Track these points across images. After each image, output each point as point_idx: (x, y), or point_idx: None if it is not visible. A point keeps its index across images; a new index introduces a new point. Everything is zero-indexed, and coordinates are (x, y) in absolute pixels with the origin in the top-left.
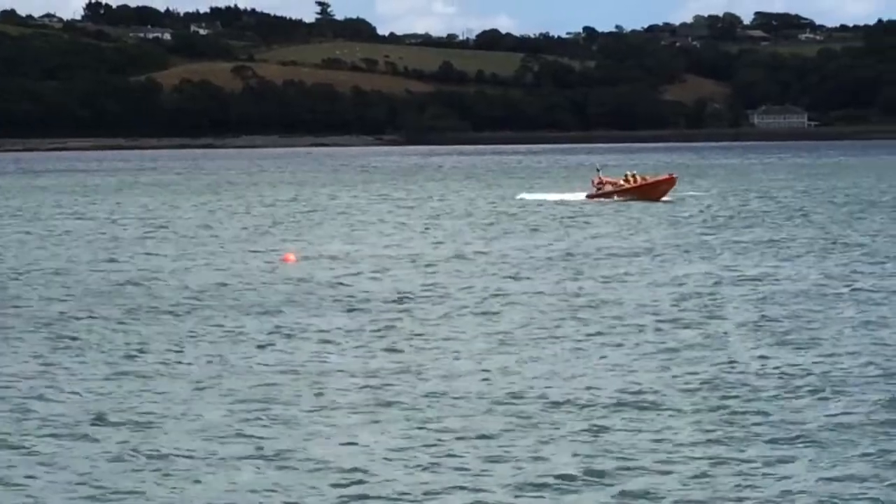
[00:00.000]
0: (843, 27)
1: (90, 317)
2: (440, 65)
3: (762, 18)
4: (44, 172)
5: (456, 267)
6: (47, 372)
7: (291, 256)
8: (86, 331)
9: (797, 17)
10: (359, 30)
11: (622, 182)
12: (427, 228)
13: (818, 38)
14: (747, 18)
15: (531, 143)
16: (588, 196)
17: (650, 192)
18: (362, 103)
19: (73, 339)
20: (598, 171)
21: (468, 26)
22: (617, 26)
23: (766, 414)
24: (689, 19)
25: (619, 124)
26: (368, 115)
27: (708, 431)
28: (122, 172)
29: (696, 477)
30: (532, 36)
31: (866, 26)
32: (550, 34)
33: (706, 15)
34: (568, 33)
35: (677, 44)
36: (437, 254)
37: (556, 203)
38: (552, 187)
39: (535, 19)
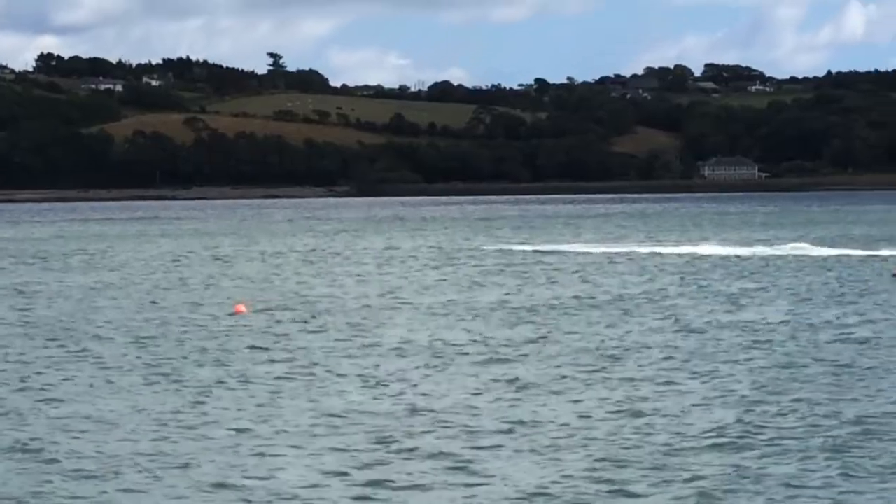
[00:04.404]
0: (793, 79)
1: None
2: (392, 116)
3: (712, 70)
4: None
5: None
6: None
7: (243, 308)
8: None
9: (748, 69)
10: (311, 81)
11: None
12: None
13: (768, 89)
14: (698, 70)
15: (482, 193)
16: None
17: None
18: (314, 155)
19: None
20: None
21: (420, 78)
22: (568, 78)
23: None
24: (639, 71)
25: (570, 175)
26: (320, 167)
27: None
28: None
29: None
30: (484, 88)
31: (816, 78)
32: (502, 86)
33: (657, 67)
34: (519, 85)
35: (628, 95)
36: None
37: None
38: None
39: (486, 71)
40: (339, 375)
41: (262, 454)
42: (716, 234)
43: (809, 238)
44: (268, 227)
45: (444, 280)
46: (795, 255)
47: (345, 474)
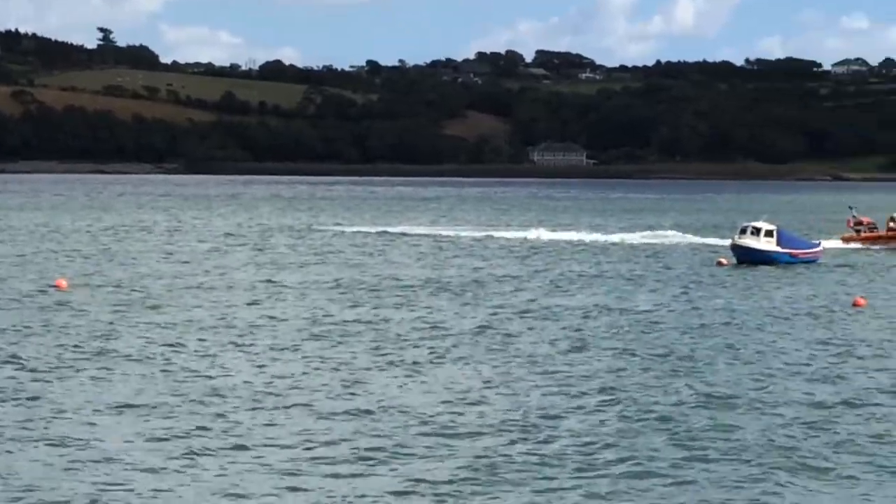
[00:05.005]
0: (623, 67)
1: None
2: (222, 94)
3: (543, 57)
4: None
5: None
6: None
7: (63, 282)
8: None
9: (578, 56)
10: (141, 57)
11: (893, 226)
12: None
13: (598, 77)
14: (529, 56)
15: (312, 174)
16: (845, 239)
17: None
18: (143, 131)
19: None
20: (851, 209)
21: (252, 57)
22: (400, 61)
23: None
24: (471, 56)
25: (401, 158)
26: (149, 143)
27: None
28: None
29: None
30: (315, 68)
31: (645, 67)
32: (334, 67)
33: (488, 52)
34: (351, 66)
35: (459, 80)
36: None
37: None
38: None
39: (318, 52)
40: (139, 352)
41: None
42: (548, 220)
43: (638, 225)
44: (95, 203)
45: (272, 259)
46: (624, 242)
47: (142, 448)
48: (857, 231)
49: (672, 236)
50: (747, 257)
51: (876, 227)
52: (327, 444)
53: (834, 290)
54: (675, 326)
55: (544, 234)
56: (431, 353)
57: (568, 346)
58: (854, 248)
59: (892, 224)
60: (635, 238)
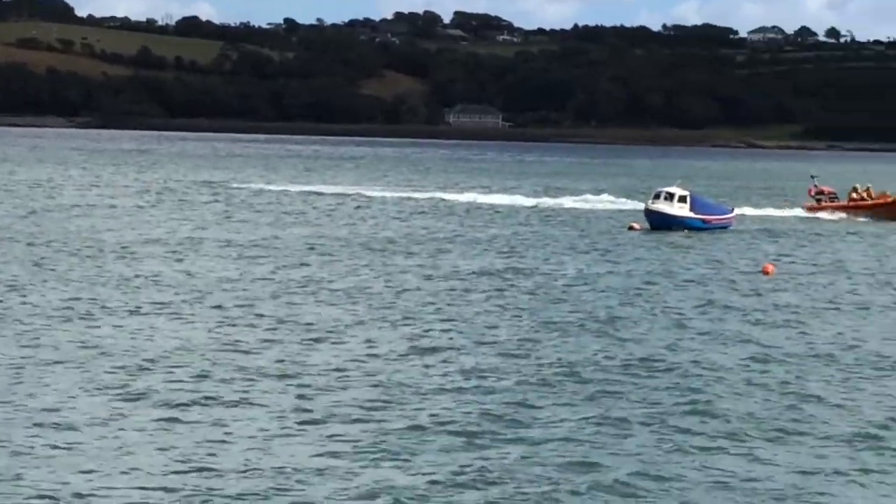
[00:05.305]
0: (541, 30)
1: None
2: (138, 49)
3: (462, 18)
4: None
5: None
6: None
7: None
8: None
9: (496, 18)
10: (56, 10)
11: (855, 196)
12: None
13: (516, 40)
14: (447, 17)
15: (227, 131)
16: (808, 208)
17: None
18: (57, 84)
19: None
20: (813, 178)
21: (168, 12)
22: (318, 19)
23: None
24: (389, 15)
25: (317, 117)
26: (63, 97)
27: None
28: None
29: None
30: (232, 25)
31: (562, 31)
32: (251, 24)
33: (406, 12)
34: (269, 24)
35: (377, 39)
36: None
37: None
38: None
39: (235, 8)
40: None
41: None
42: (464, 182)
43: (554, 189)
44: (8, 155)
45: (188, 216)
46: (539, 206)
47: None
48: (819, 200)
49: (592, 201)
50: (660, 222)
51: (837, 197)
52: (249, 404)
53: (744, 257)
54: (586, 291)
55: (456, 197)
56: (349, 314)
57: (479, 310)
58: (781, 215)
59: (854, 195)
60: (550, 202)
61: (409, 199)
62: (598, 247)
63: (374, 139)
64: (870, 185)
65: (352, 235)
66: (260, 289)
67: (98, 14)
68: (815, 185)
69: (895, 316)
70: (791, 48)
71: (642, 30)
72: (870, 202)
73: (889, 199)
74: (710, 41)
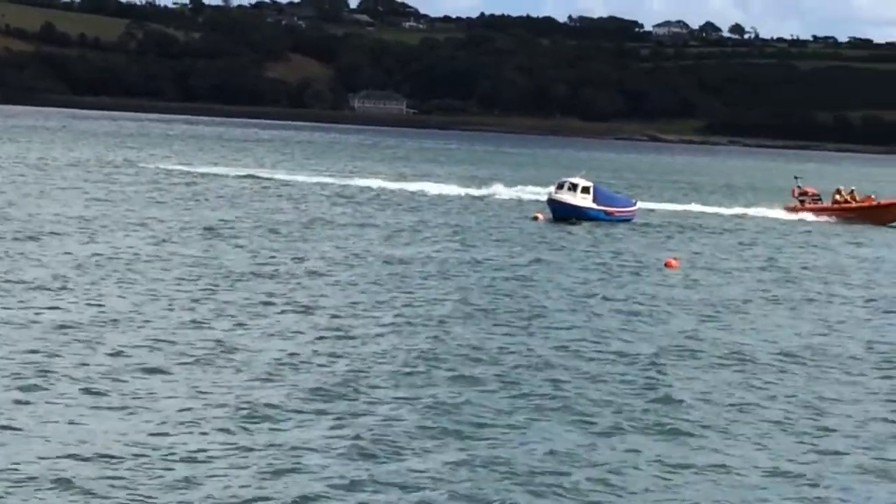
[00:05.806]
0: (447, 18)
1: None
2: (42, 25)
3: (368, 3)
4: None
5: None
6: None
7: None
8: None
9: (403, 4)
10: None
11: (839, 199)
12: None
13: (422, 27)
14: (354, 2)
15: (131, 110)
16: (789, 209)
17: (883, 215)
18: None
19: None
20: (796, 179)
21: None
22: (224, 0)
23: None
24: None
25: (222, 98)
26: None
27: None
28: None
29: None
30: (137, 3)
31: (469, 19)
32: (156, 3)
33: None
34: (174, 3)
35: (283, 22)
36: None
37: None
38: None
39: None
40: None
41: None
42: (367, 168)
43: (459, 177)
44: None
45: (95, 195)
46: (441, 194)
47: None
48: (802, 202)
49: (494, 190)
50: (563, 213)
51: (820, 199)
52: (157, 372)
53: (645, 251)
54: (488, 281)
55: (367, 181)
56: (259, 295)
57: (386, 298)
58: (757, 215)
59: (837, 197)
60: (453, 190)
61: (318, 184)
62: (498, 237)
63: (277, 122)
64: (854, 187)
65: (260, 217)
66: (166, 266)
67: None
68: (799, 186)
69: (799, 311)
70: (696, 43)
71: (548, 20)
72: (855, 205)
73: (874, 203)
74: (615, 34)
